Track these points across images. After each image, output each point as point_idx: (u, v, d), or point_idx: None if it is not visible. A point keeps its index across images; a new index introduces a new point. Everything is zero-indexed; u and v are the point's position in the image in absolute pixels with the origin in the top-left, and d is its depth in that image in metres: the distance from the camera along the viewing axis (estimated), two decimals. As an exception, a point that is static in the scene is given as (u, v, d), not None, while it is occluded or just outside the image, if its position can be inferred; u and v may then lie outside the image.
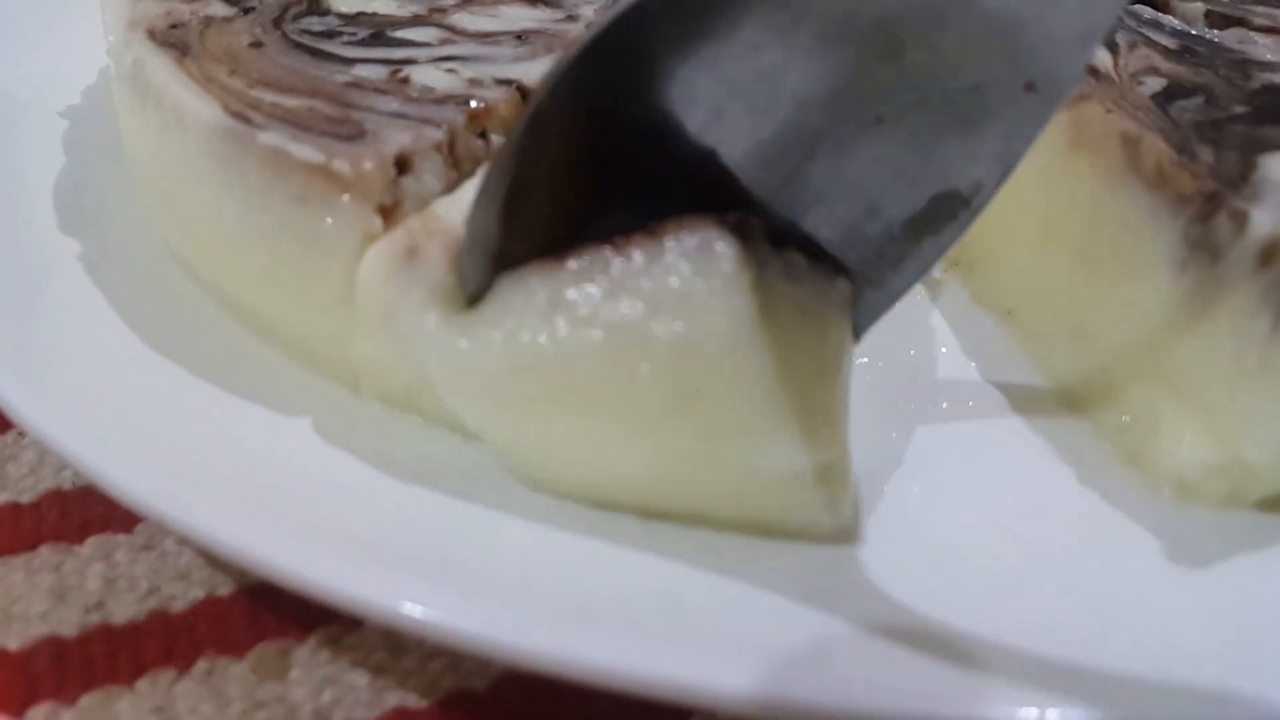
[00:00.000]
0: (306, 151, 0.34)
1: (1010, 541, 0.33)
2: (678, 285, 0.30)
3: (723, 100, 0.31)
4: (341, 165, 0.34)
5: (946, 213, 0.32)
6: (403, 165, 0.34)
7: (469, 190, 0.34)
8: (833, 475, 0.32)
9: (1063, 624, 0.31)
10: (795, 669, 0.28)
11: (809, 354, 0.31)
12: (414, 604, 0.29)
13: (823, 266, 0.31)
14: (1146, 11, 0.44)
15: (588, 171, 0.32)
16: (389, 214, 0.34)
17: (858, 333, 0.33)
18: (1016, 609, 0.31)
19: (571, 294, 0.30)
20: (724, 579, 0.31)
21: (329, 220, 0.34)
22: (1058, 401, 0.39)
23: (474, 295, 0.32)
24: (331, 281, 0.35)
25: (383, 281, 0.33)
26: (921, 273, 0.33)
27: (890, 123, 0.31)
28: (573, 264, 0.31)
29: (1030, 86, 0.30)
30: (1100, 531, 0.34)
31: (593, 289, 0.30)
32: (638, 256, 0.30)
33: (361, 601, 0.29)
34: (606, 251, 0.31)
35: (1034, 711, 0.26)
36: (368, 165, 0.34)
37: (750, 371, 0.30)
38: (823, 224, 0.32)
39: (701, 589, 0.31)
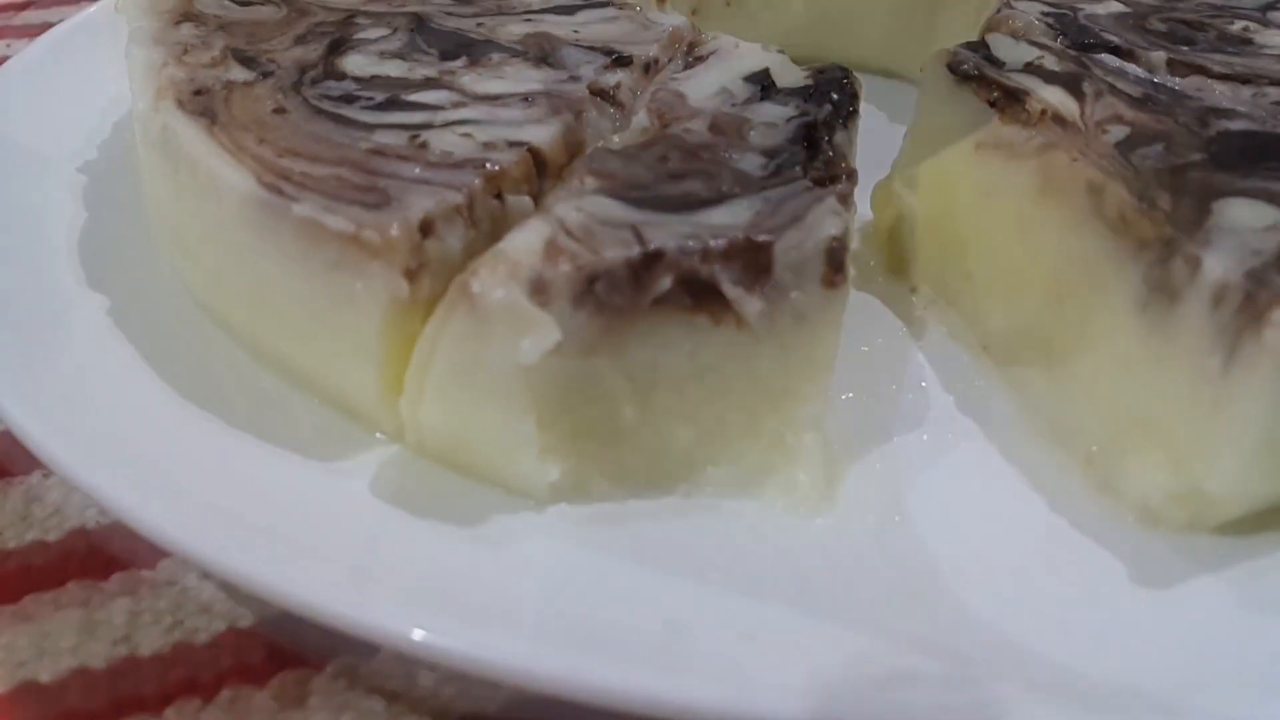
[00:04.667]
0: (338, 222, 0.36)
1: (986, 565, 0.35)
2: None
3: None
4: (370, 235, 0.35)
5: None
6: (426, 229, 0.36)
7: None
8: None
9: (1033, 640, 0.33)
10: (797, 692, 0.30)
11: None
12: (422, 631, 0.31)
13: None
14: (1112, 60, 0.47)
15: None
16: (413, 276, 0.36)
17: None
18: (990, 627, 0.33)
19: None
20: (726, 607, 0.33)
21: (359, 285, 0.36)
22: (1030, 433, 0.41)
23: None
24: (362, 338, 0.37)
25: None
26: None
27: None
28: None
29: None
30: (1070, 555, 0.36)
31: None
32: None
33: (377, 629, 0.31)
34: None
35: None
36: (394, 232, 0.35)
37: None
38: None
39: (707, 614, 0.33)
